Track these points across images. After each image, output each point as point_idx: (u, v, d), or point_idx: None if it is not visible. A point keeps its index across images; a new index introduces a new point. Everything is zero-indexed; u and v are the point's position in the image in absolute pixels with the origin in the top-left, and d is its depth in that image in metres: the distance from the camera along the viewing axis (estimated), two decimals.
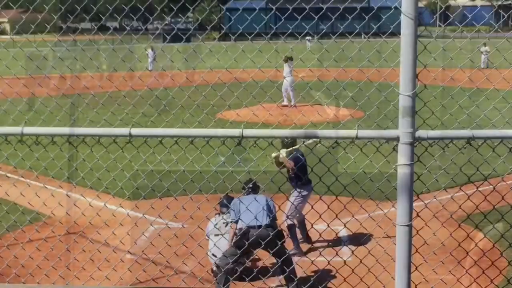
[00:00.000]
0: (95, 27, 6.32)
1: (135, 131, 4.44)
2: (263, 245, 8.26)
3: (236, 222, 8.96)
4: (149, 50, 49.56)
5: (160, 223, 11.98)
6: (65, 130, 4.69)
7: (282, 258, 8.14)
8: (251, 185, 9.44)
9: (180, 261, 9.21)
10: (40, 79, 6.26)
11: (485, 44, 47.54)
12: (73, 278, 7.00)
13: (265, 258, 9.52)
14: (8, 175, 15.13)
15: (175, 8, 5.52)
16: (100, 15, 6.30)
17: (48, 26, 5.93)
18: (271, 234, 8.36)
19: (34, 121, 5.72)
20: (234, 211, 8.97)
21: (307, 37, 70.92)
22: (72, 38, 5.92)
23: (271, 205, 9.04)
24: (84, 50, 5.53)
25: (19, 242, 10.57)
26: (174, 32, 6.08)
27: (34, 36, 7.47)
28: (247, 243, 7.94)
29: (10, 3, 6.72)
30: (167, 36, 5.80)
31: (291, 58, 28.61)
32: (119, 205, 8.26)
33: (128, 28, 6.33)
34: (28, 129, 4.65)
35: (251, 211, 8.22)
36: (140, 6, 5.99)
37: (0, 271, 8.25)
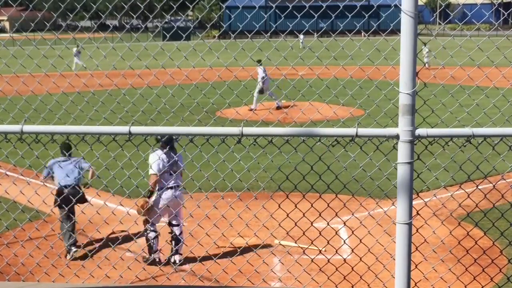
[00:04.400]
0: (95, 25, 6.32)
1: (135, 129, 4.43)
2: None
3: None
4: (74, 49, 49.88)
5: (160, 221, 11.99)
6: (65, 128, 4.69)
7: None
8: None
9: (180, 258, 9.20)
10: (39, 77, 6.25)
11: (425, 44, 48.07)
12: (73, 276, 7.00)
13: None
14: (8, 173, 15.13)
15: (174, 6, 5.52)
16: (100, 13, 6.30)
17: (48, 24, 5.93)
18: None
19: (34, 119, 5.71)
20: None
21: (300, 36, 71.05)
22: (72, 36, 5.92)
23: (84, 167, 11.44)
24: (84, 48, 5.52)
25: (19, 240, 10.57)
26: (174, 30, 6.08)
27: (34, 34, 7.46)
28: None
29: (9, 1, 6.71)
30: (166, 34, 5.78)
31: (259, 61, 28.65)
32: (119, 203, 8.26)
33: (128, 26, 6.34)
34: (28, 127, 4.65)
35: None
36: (140, 4, 5.99)
37: (0, 269, 8.25)
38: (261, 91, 28.68)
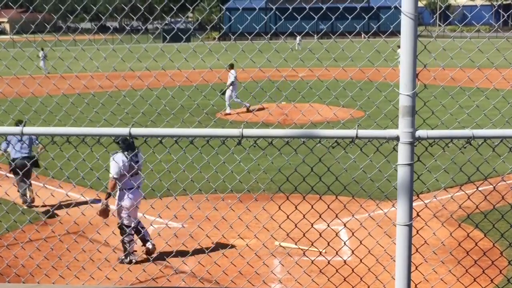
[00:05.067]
0: (95, 27, 6.32)
1: (135, 130, 4.44)
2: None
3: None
4: (40, 53, 50.19)
5: (160, 222, 12.00)
6: (65, 130, 4.69)
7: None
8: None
9: (180, 261, 9.20)
10: (40, 79, 6.26)
11: (399, 47, 48.16)
12: (73, 278, 7.00)
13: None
14: (8, 175, 15.13)
15: (175, 8, 5.52)
16: (100, 15, 6.30)
17: (48, 26, 5.94)
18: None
19: (34, 121, 5.71)
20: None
21: (298, 38, 71.02)
22: (72, 38, 5.93)
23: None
24: (84, 50, 5.53)
25: (19, 242, 10.57)
26: (174, 32, 6.08)
27: (34, 36, 7.45)
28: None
29: (10, 3, 6.72)
30: (166, 36, 5.79)
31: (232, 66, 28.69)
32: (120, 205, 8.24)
33: (128, 28, 6.34)
34: (28, 129, 4.65)
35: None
36: (140, 6, 5.99)
37: (0, 270, 8.25)
38: (225, 93, 28.40)
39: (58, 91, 7.00)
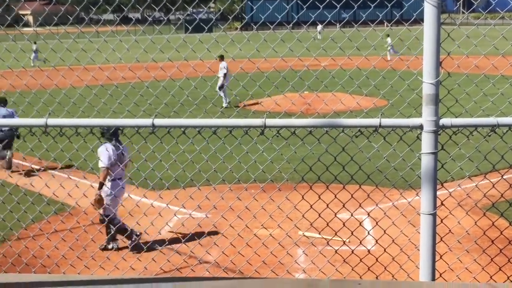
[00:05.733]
0: (118, 18, 6.34)
1: (158, 121, 4.46)
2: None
3: None
4: (33, 46, 50.76)
5: (183, 213, 12.05)
6: (89, 121, 4.72)
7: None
8: None
9: (204, 251, 9.24)
10: (63, 70, 6.30)
11: (388, 35, 47.40)
12: (98, 268, 7.06)
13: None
14: (33, 166, 15.27)
15: None
16: (123, 6, 6.32)
17: (71, 18, 5.97)
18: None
19: (58, 113, 5.76)
20: None
21: (318, 26, 70.66)
22: (94, 30, 5.95)
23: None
24: (107, 41, 5.55)
25: (45, 232, 10.69)
26: (196, 22, 6.08)
27: (57, 28, 7.51)
28: None
29: None
30: (189, 27, 5.81)
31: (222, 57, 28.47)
32: (143, 196, 8.30)
33: (150, 19, 6.35)
34: (52, 121, 4.69)
35: None
36: None
37: (26, 261, 8.35)
38: (221, 87, 28.26)
39: (82, 83, 7.04)
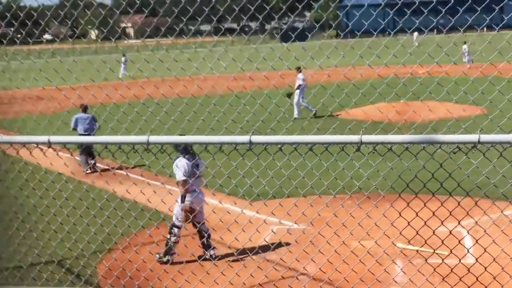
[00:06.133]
0: (223, 28, 6.49)
1: (256, 138, 4.55)
2: None
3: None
4: (122, 58, 51.01)
5: (280, 227, 12.12)
6: (188, 138, 4.87)
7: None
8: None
9: (301, 266, 9.27)
10: (169, 81, 6.52)
11: (465, 42, 45.13)
12: (198, 282, 7.21)
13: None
14: (129, 174, 15.73)
15: (299, 6, 5.58)
16: (220, 17, 6.45)
17: (177, 29, 6.16)
18: None
19: (158, 130, 5.95)
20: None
21: (415, 33, 69.22)
22: (192, 40, 6.11)
23: None
24: (212, 51, 5.71)
25: (145, 245, 10.99)
26: (294, 31, 6.15)
27: (158, 40, 7.76)
28: None
29: (129, 9, 7.02)
30: (292, 35, 5.86)
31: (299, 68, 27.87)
32: (241, 211, 8.43)
33: (246, 28, 6.48)
34: (154, 138, 4.86)
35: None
36: (266, 6, 6.07)
37: (130, 274, 8.63)
38: (293, 98, 27.94)
39: (187, 93, 7.22)
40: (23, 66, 7.67)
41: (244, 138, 4.56)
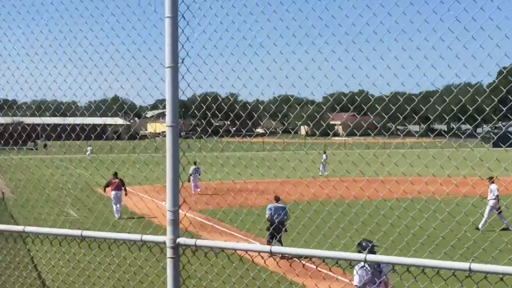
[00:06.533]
0: (428, 132, 6.16)
1: (476, 266, 4.06)
2: None
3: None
4: (323, 154, 49.28)
5: None
6: (391, 259, 4.48)
7: None
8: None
9: None
10: (376, 182, 6.23)
11: None
12: None
13: None
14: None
15: (504, 109, 5.13)
16: (429, 117, 6.13)
17: (378, 127, 5.93)
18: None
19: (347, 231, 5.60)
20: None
21: None
22: (400, 141, 5.81)
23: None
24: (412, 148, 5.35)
25: None
26: (504, 135, 5.62)
27: (365, 138, 7.56)
28: None
29: (336, 106, 6.91)
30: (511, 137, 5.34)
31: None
32: None
33: (456, 130, 6.09)
34: (372, 257, 4.54)
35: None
36: (469, 107, 5.72)
37: None
38: (490, 210, 25.94)
39: (376, 195, 6.88)
40: (234, 156, 7.83)
41: (463, 265, 4.09)
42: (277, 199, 21.23)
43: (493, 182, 25.85)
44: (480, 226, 25.62)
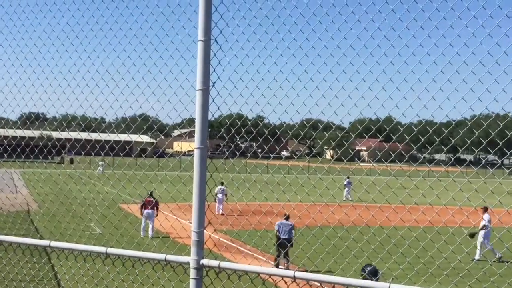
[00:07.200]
0: (452, 159, 6.16)
1: None
2: None
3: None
4: (346, 179, 48.77)
5: None
6: None
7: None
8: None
9: None
10: (418, 211, 6.23)
11: None
12: None
13: None
14: None
15: None
16: (457, 148, 6.14)
17: (407, 156, 5.94)
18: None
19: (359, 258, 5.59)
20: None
21: None
22: (428, 169, 5.83)
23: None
24: (441, 180, 5.35)
25: None
26: None
27: (390, 165, 7.57)
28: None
29: (364, 134, 6.93)
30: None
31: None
32: None
33: (483, 161, 6.06)
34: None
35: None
36: (498, 141, 5.72)
37: None
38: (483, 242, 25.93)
39: (402, 223, 6.86)
40: (260, 179, 7.89)
41: None
42: (285, 216, 22.78)
43: (486, 211, 25.84)
44: (476, 256, 25.87)
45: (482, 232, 25.94)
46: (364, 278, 10.60)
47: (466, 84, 5.00)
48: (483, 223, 25.98)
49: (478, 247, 26.16)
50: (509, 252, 22.98)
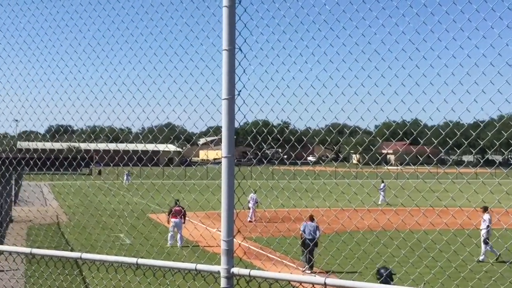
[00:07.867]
0: (480, 161, 6.09)
1: None
2: None
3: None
4: (381, 184, 48.27)
5: None
6: None
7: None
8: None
9: None
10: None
11: None
12: None
13: None
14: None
15: None
16: (486, 149, 6.08)
17: (435, 159, 5.90)
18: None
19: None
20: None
21: None
22: (456, 171, 5.80)
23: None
24: (470, 183, 5.30)
25: None
26: None
27: (417, 167, 7.51)
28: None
29: (391, 139, 6.89)
30: None
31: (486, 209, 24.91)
32: None
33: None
34: None
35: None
36: None
37: None
38: (485, 241, 25.58)
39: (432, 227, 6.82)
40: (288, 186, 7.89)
41: None
42: (311, 218, 23.88)
43: (486, 212, 25.52)
44: (481, 257, 25.66)
45: (483, 232, 25.74)
46: (381, 282, 10.54)
47: (493, 86, 4.97)
48: (485, 223, 25.72)
49: (482, 247, 25.97)
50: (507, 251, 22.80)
